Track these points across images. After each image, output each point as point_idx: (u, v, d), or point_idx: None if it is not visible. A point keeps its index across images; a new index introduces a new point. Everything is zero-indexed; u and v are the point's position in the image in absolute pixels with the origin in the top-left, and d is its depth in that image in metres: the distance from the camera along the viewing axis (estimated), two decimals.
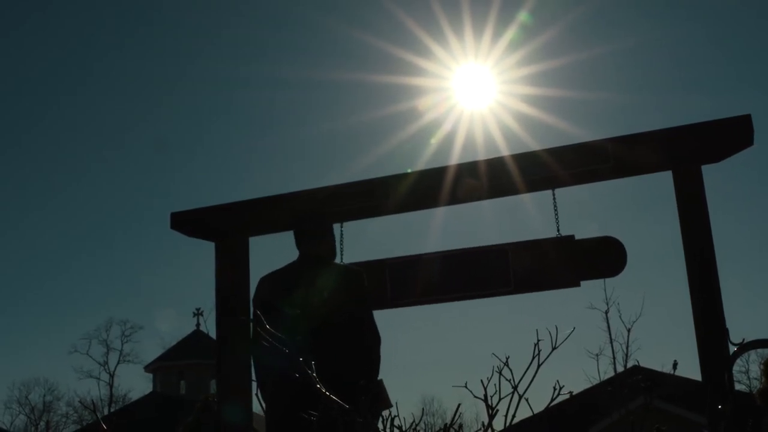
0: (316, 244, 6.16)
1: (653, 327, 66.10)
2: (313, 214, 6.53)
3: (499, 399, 3.28)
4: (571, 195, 8.63)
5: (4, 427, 54.49)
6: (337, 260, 7.65)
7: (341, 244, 7.81)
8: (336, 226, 7.82)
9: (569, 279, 7.34)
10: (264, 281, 6.21)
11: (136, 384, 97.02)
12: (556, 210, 7.36)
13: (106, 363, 63.38)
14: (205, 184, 77.32)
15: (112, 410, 56.60)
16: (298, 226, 6.27)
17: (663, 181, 7.18)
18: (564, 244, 7.30)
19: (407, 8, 64.69)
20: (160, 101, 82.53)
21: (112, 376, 63.28)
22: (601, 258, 7.26)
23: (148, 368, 44.59)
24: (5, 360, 78.10)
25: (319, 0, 69.50)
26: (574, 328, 3.44)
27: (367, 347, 5.84)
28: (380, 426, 3.11)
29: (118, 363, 63.44)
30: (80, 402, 60.15)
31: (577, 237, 7.35)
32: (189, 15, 76.44)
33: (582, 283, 7.29)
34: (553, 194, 7.39)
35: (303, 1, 72.41)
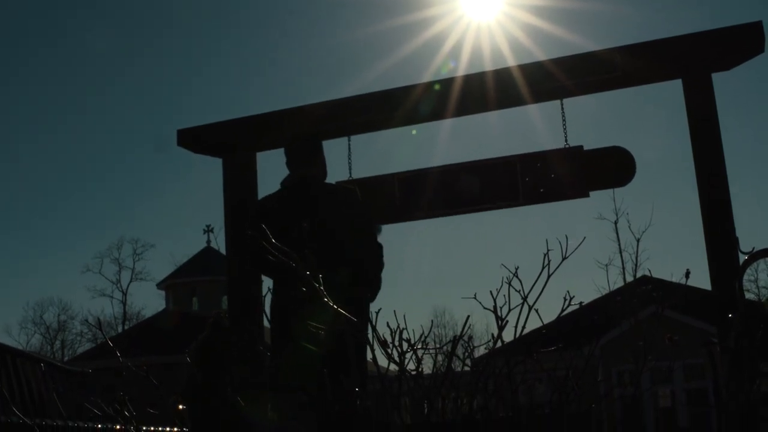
0: (309, 165, 6.17)
1: (663, 237, 66.12)
2: (304, 135, 6.50)
3: (509, 310, 3.27)
4: (579, 106, 8.57)
5: (21, 347, 55.10)
6: (346, 174, 7.67)
7: (349, 159, 7.78)
8: (343, 140, 7.80)
9: (578, 189, 7.30)
10: (261, 205, 6.24)
11: (149, 302, 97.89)
12: (564, 121, 7.31)
13: (118, 281, 63.89)
14: (211, 100, 77.08)
15: (125, 328, 57.16)
16: (291, 147, 6.27)
17: (673, 90, 7.13)
18: (572, 154, 7.25)
19: None
20: (167, 16, 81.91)
21: (125, 294, 63.84)
22: (610, 168, 7.22)
23: (160, 285, 44.87)
24: (19, 281, 78.94)
25: None
26: (585, 237, 3.43)
27: (370, 260, 5.90)
28: (389, 339, 3.11)
29: (130, 281, 63.96)
30: (86, 321, 60.65)
31: (585, 148, 7.30)
32: None
33: (591, 193, 7.26)
34: (561, 105, 7.34)
35: None
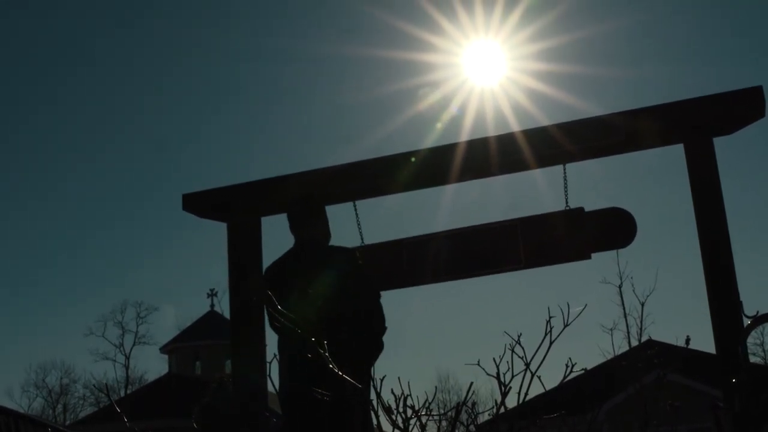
0: (311, 228, 6.16)
1: (667, 301, 65.98)
2: (305, 196, 6.51)
3: (512, 376, 3.28)
4: (582, 170, 8.61)
5: (22, 410, 54.73)
6: (356, 239, 7.68)
7: (358, 224, 7.80)
8: (348, 205, 7.82)
9: (579, 251, 7.30)
10: (268, 272, 6.25)
11: (152, 365, 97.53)
12: (566, 185, 7.33)
13: (121, 345, 63.62)
14: (214, 163, 77.36)
15: (128, 392, 56.89)
16: (290, 210, 6.28)
17: (675, 155, 7.17)
18: (573, 216, 7.27)
19: None
20: (169, 80, 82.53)
21: (128, 357, 63.53)
22: (611, 229, 7.23)
23: (163, 349, 44.75)
24: (22, 343, 78.64)
25: None
26: (586, 305, 3.45)
27: (370, 327, 5.87)
28: (393, 406, 3.12)
29: (133, 345, 63.70)
30: (93, 386, 60.33)
31: (586, 210, 7.32)
32: None
33: (593, 255, 7.25)
34: (564, 169, 7.36)
35: None
